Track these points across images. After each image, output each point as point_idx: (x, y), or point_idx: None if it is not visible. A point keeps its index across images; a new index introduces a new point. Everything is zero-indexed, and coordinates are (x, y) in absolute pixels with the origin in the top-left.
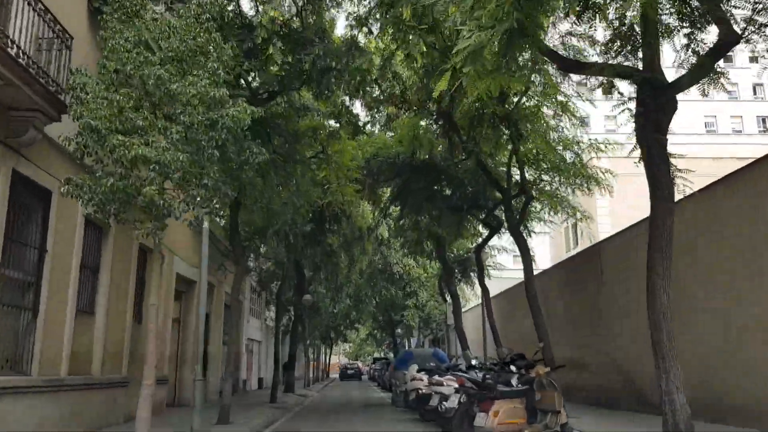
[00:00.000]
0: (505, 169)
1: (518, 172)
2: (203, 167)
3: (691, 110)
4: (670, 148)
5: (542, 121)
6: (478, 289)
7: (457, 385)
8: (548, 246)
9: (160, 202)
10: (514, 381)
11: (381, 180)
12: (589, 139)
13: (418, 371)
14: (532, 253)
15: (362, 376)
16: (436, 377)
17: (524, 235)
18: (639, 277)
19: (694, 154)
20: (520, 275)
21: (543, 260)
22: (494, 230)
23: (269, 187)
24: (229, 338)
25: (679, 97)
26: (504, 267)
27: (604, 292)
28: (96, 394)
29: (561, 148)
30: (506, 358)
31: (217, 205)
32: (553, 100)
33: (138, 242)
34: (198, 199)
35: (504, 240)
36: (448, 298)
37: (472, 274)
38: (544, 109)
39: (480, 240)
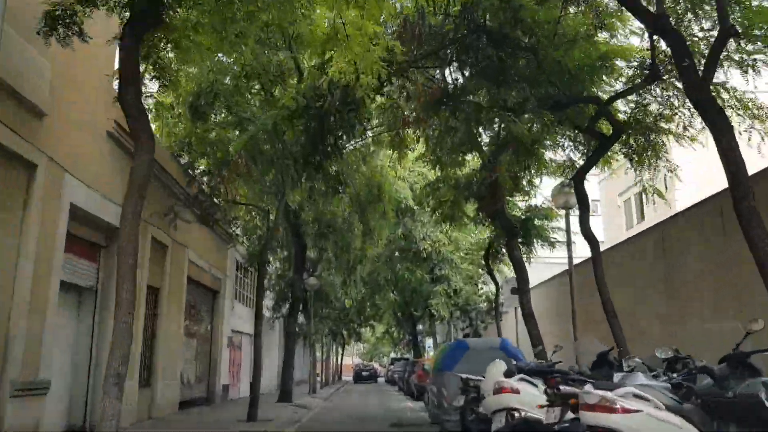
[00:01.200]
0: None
1: None
2: None
3: None
4: None
5: None
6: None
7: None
8: (600, 228)
9: None
10: None
11: (422, 54)
12: None
13: (511, 375)
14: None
15: (378, 378)
16: (590, 389)
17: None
18: None
19: None
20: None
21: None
22: (606, 143)
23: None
24: (120, 321)
25: None
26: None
27: None
28: None
29: None
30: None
31: None
32: None
33: None
34: None
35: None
36: (502, 278)
37: (536, 241)
38: None
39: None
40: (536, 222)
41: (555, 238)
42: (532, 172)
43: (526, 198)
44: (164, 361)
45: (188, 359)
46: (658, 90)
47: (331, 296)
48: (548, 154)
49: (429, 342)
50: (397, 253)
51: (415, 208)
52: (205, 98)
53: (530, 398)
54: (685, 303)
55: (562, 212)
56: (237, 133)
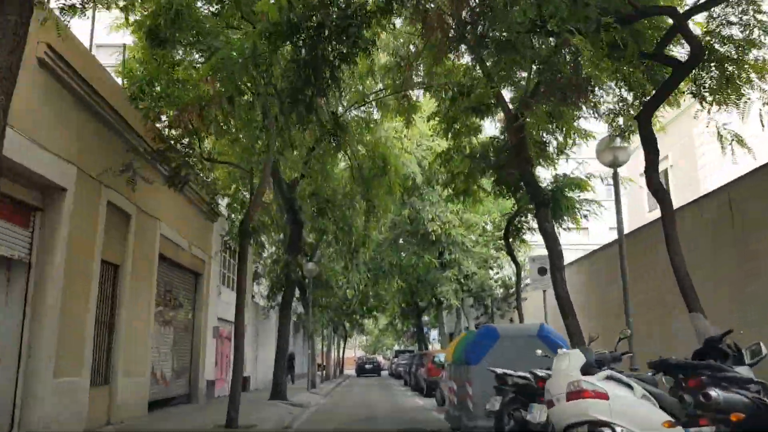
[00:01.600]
0: None
1: None
2: None
3: None
4: None
5: None
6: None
7: None
8: (623, 211)
9: None
10: None
11: None
12: None
13: (590, 371)
14: None
15: (382, 372)
16: None
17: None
18: None
19: None
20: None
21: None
22: (680, 71)
23: None
24: None
25: None
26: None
27: None
28: None
29: None
30: None
31: None
32: None
33: None
34: None
35: None
36: (529, 256)
37: (566, 216)
38: None
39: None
40: (566, 193)
41: (590, 211)
42: (562, 133)
43: (555, 165)
44: (128, 353)
45: (163, 351)
46: (738, 10)
47: (331, 282)
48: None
49: (434, 334)
50: (402, 240)
51: (423, 189)
52: (163, 17)
53: (625, 406)
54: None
55: (596, 181)
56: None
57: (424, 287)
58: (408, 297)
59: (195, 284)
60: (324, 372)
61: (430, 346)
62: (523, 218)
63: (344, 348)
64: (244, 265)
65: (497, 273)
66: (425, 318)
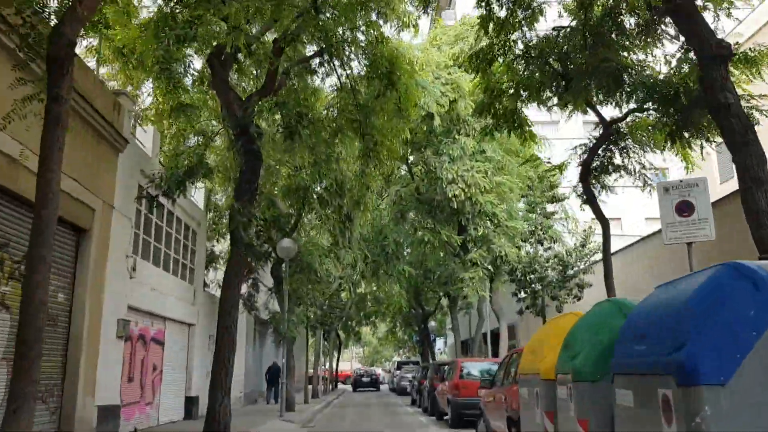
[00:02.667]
0: None
1: None
2: None
3: None
4: None
5: None
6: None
7: None
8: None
9: None
10: None
11: None
12: None
13: None
14: None
15: (381, 386)
16: None
17: None
18: None
19: None
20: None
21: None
22: None
23: None
24: None
25: None
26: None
27: None
28: None
29: None
30: None
31: None
32: None
33: None
34: None
35: None
36: (657, 183)
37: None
38: None
39: None
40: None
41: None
42: None
43: None
44: None
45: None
46: None
47: (314, 265)
48: None
49: (440, 343)
50: (411, 214)
51: (442, 139)
52: None
53: None
54: None
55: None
56: None
57: (432, 286)
58: (412, 299)
59: (76, 247)
60: (312, 387)
61: (435, 357)
62: (608, 153)
63: (338, 359)
64: (52, 134)
65: (548, 248)
66: (432, 323)
